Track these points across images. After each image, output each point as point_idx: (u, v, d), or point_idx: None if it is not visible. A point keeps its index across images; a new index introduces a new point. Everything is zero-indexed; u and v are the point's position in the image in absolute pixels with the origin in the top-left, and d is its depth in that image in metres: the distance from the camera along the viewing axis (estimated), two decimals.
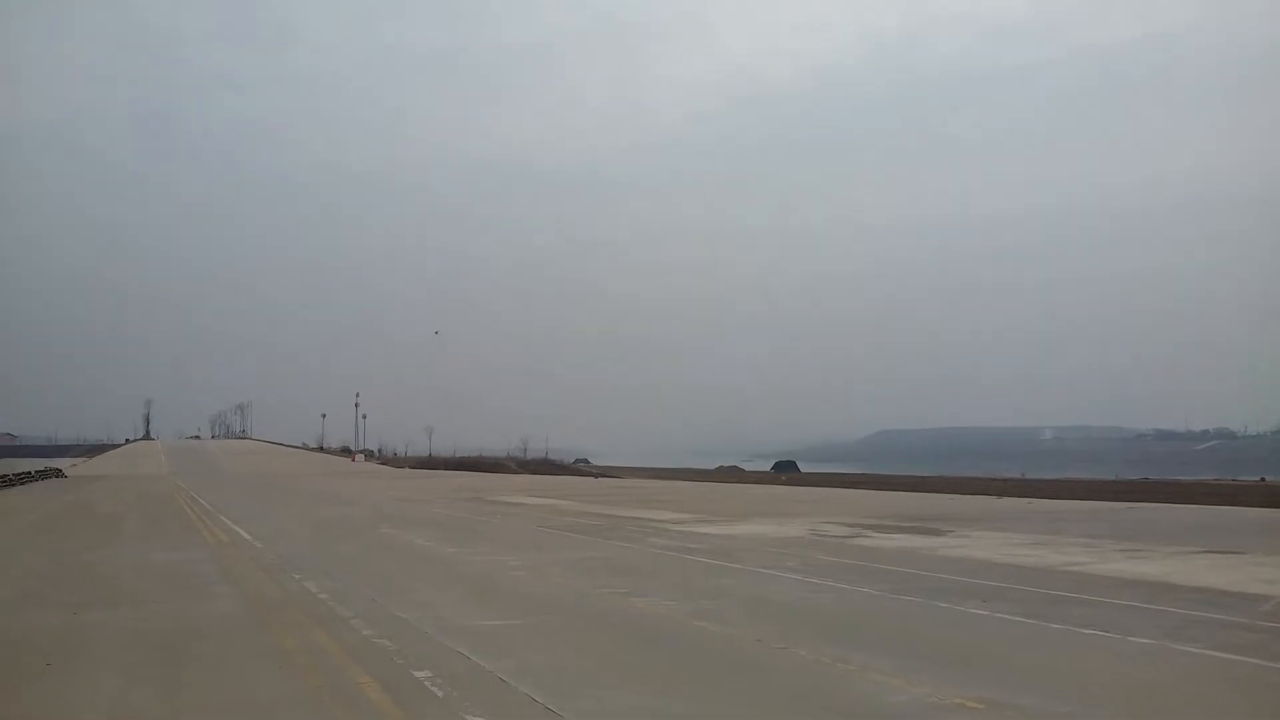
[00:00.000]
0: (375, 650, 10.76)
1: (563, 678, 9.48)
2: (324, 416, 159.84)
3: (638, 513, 33.65)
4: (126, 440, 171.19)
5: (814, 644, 10.89)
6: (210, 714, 8.54)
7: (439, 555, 20.92)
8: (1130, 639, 11.16)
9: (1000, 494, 46.40)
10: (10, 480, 62.73)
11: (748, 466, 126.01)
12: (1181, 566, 17.78)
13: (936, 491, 52.01)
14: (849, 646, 10.75)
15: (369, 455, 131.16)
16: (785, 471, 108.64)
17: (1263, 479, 64.14)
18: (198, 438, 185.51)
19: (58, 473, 78.78)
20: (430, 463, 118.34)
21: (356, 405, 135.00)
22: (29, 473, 70.56)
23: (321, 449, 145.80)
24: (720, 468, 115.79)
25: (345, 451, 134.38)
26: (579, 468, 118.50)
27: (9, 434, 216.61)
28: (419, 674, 9.57)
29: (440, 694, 8.85)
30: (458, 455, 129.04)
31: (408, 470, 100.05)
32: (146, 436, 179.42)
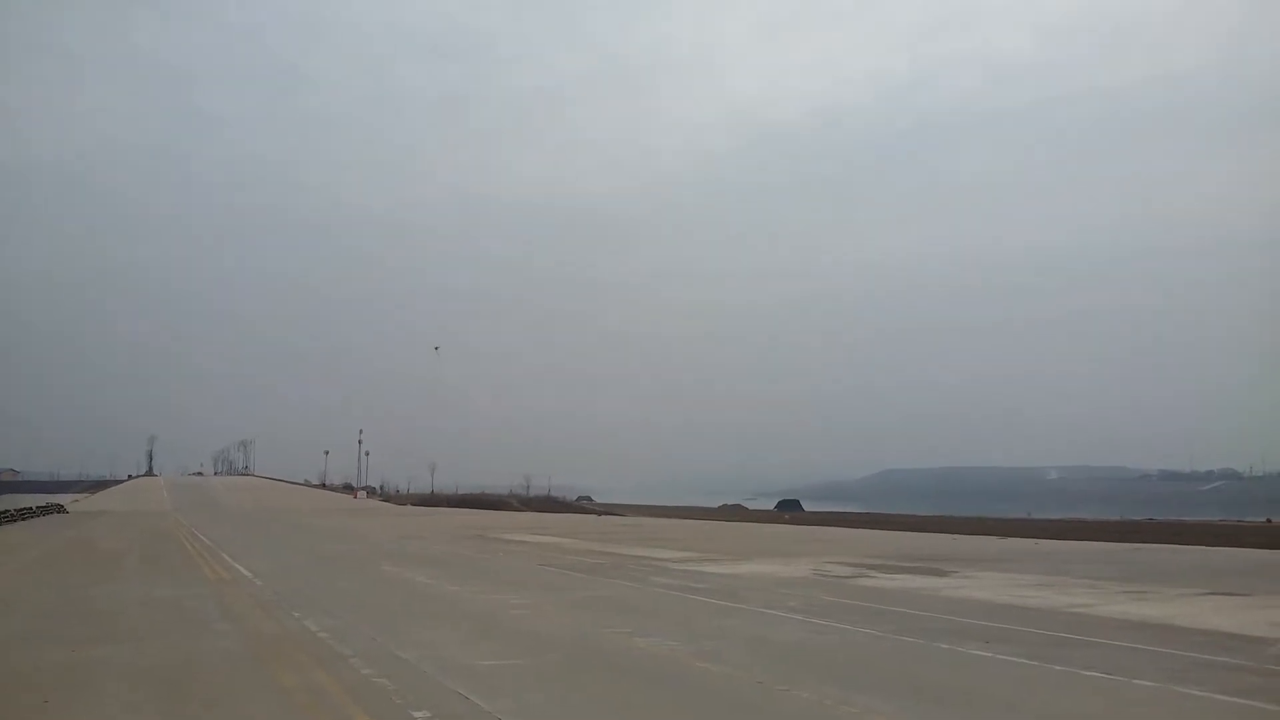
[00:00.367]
0: (374, 690, 10.71)
1: (563, 719, 9.42)
2: (327, 453, 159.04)
3: (641, 551, 33.53)
4: (129, 476, 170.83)
5: (816, 686, 10.83)
6: None
7: (440, 593, 20.84)
8: (1134, 682, 11.08)
9: (1005, 534, 46.22)
10: (12, 516, 62.66)
11: (751, 505, 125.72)
12: (1186, 609, 17.67)
13: (940, 531, 51.79)
14: (851, 688, 10.68)
15: (371, 492, 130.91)
16: (789, 510, 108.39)
17: (1269, 520, 63.85)
18: (200, 474, 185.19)
19: (60, 508, 78.60)
20: (432, 500, 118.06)
21: (360, 442, 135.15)
22: (31, 508, 70.44)
23: (324, 486, 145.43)
24: (724, 506, 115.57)
25: (347, 488, 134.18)
26: (582, 505, 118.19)
27: (12, 469, 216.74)
28: (418, 714, 9.52)
29: None
30: (460, 492, 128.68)
31: (410, 507, 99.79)
32: (149, 473, 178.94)
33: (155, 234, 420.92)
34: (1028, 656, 12.66)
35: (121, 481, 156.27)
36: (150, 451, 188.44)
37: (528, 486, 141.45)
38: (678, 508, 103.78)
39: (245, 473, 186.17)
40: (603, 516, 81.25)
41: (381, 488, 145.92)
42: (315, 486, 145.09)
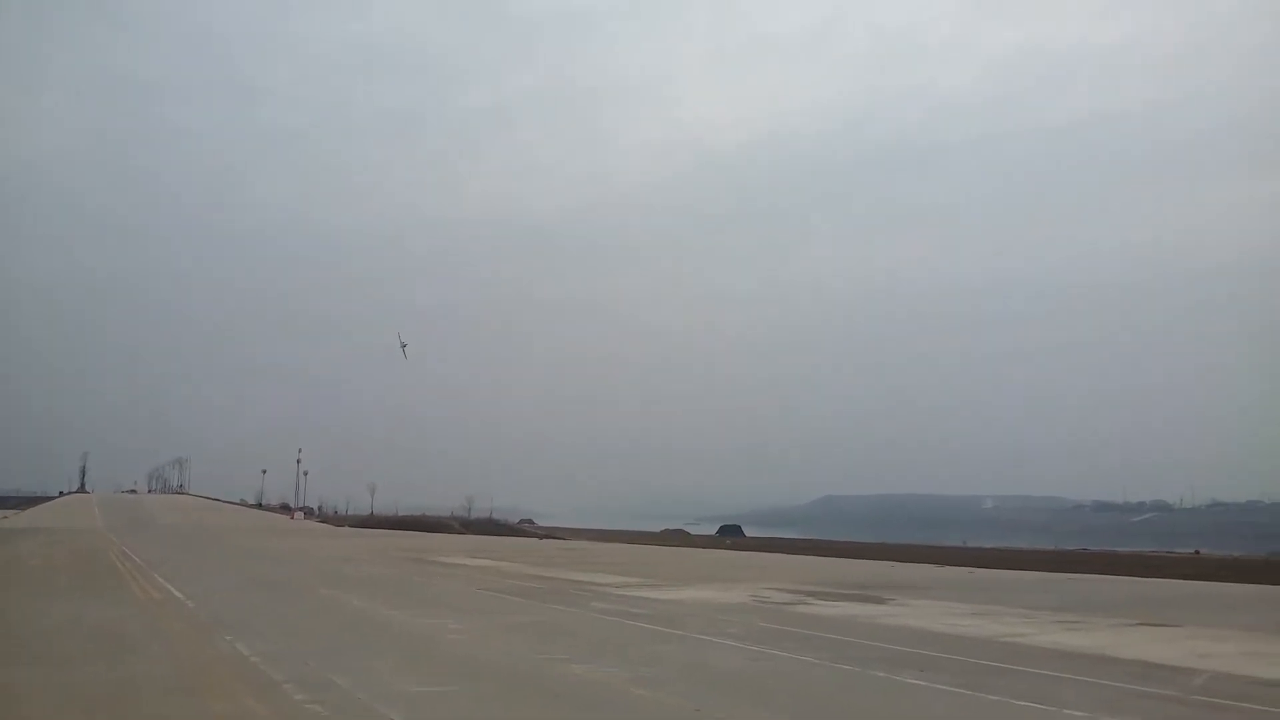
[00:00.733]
0: (307, 716, 10.55)
1: None
2: (264, 472, 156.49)
3: (580, 576, 33.41)
4: (60, 493, 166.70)
5: (753, 713, 10.86)
6: None
7: (375, 618, 20.59)
8: (1065, 711, 11.23)
9: (941, 562, 46.70)
10: None
11: (693, 530, 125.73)
12: (1118, 639, 17.99)
13: (879, 558, 52.19)
14: (788, 715, 10.73)
15: (309, 513, 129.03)
16: (731, 535, 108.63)
17: (1197, 552, 65.20)
18: (134, 491, 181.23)
19: None
20: (371, 521, 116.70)
21: (298, 461, 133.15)
22: None
23: (260, 506, 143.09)
24: (666, 530, 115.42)
25: (285, 508, 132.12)
26: (524, 528, 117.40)
27: None
28: None
29: None
30: (400, 514, 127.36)
31: (348, 529, 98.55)
32: (81, 490, 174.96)
33: (93, 244, 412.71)
34: (961, 685, 12.79)
35: (52, 498, 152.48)
36: (83, 468, 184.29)
37: (469, 509, 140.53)
38: (621, 531, 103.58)
39: (180, 491, 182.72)
40: (544, 540, 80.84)
41: (320, 508, 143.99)
42: (252, 506, 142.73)
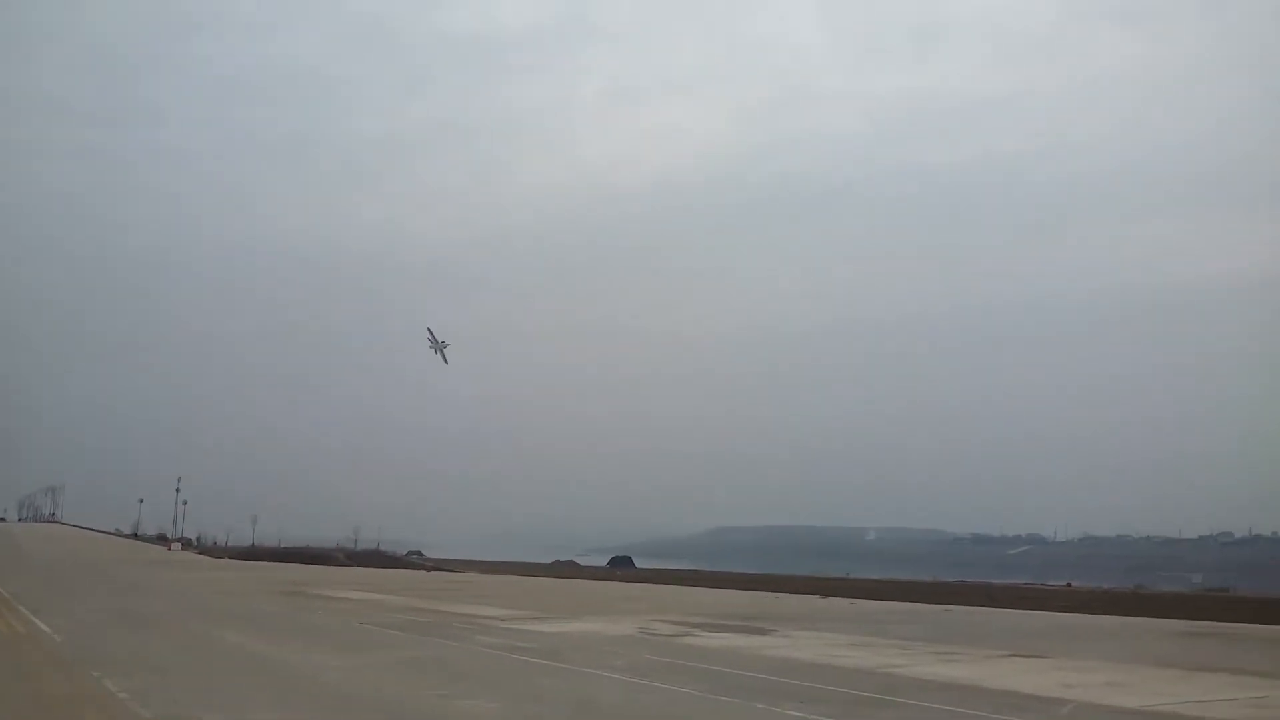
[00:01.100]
0: None
1: None
2: (141, 501, 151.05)
3: (467, 609, 33.03)
4: None
5: None
6: None
7: (251, 653, 20.07)
8: None
9: (825, 594, 47.39)
10: None
11: (584, 561, 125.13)
12: (990, 670, 18.52)
13: (766, 590, 52.77)
14: None
15: (187, 544, 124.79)
16: (621, 567, 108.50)
17: (1069, 584, 67.33)
18: (3, 520, 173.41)
19: None
20: (253, 553, 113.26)
21: (177, 490, 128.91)
22: None
23: (136, 536, 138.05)
24: (557, 562, 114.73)
25: (162, 539, 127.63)
26: (411, 560, 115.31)
27: None
28: None
29: None
30: (283, 545, 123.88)
31: (227, 560, 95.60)
32: None
33: None
34: (839, 716, 13.04)
35: None
36: None
37: (356, 540, 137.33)
38: (511, 563, 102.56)
39: (52, 520, 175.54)
40: (432, 572, 79.67)
41: (199, 539, 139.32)
42: (127, 536, 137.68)
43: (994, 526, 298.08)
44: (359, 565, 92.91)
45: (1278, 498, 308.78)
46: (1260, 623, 31.33)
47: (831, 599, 43.54)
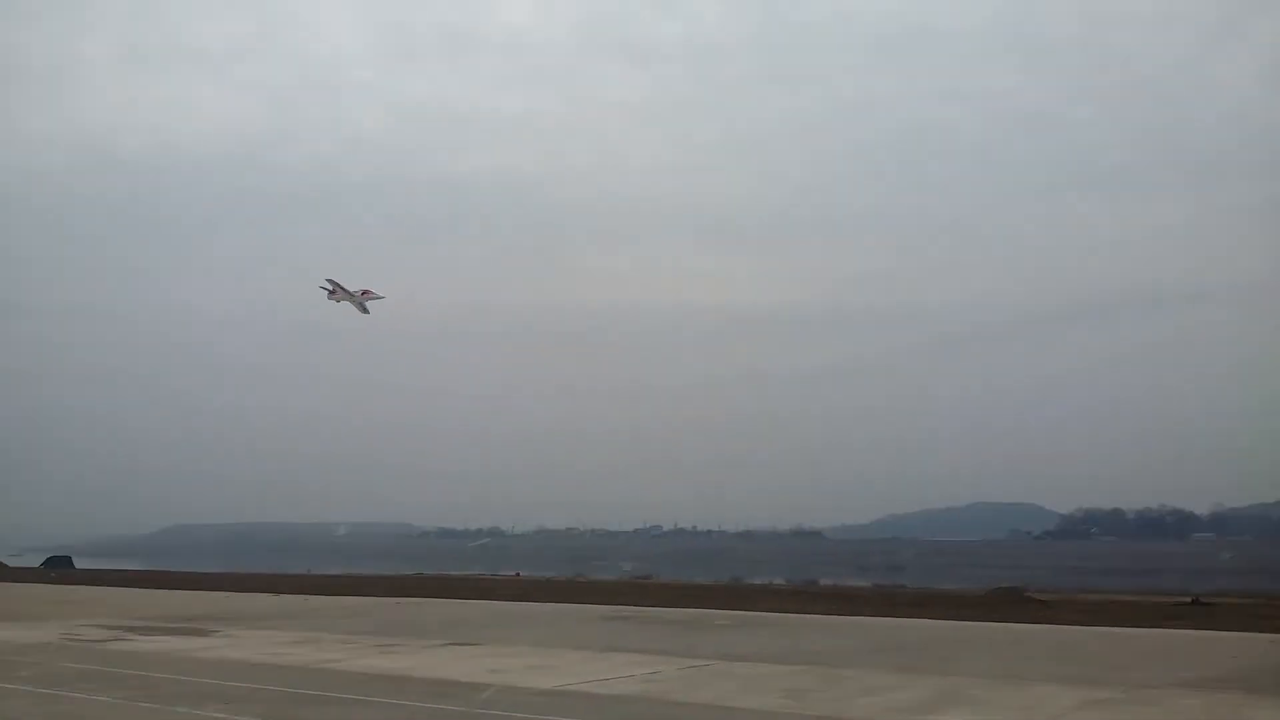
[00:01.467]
0: None
1: None
2: None
3: None
4: None
5: None
6: None
7: None
8: None
9: (282, 591, 46.34)
10: None
11: (14, 563, 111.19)
12: (427, 660, 19.40)
13: (221, 589, 50.44)
14: None
15: None
16: (58, 568, 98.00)
17: (518, 574, 71.25)
18: None
19: None
20: None
21: None
22: None
23: None
24: None
25: None
26: None
27: None
28: None
29: None
30: None
31: None
32: None
33: None
34: (267, 716, 13.07)
35: None
36: None
37: None
38: None
39: None
40: None
41: None
42: None
43: (459, 520, 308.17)
44: None
45: (695, 497, 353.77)
46: (670, 606, 35.25)
47: (285, 596, 42.68)
